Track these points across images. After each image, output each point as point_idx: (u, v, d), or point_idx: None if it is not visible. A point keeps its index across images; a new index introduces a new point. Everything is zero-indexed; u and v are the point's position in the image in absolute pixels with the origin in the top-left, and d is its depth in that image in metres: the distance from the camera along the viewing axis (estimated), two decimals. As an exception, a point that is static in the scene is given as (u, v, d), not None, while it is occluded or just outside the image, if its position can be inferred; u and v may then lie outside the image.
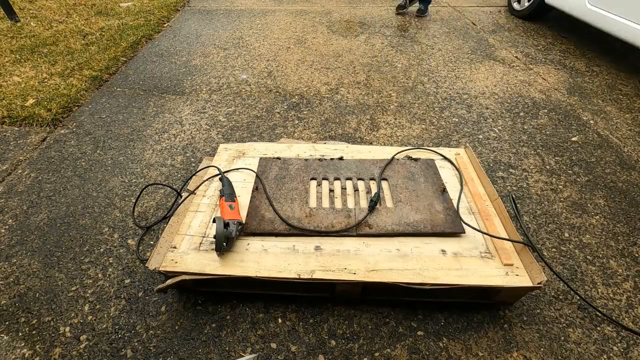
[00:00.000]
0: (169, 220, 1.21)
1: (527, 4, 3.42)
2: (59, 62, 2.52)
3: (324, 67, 2.58)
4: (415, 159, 1.46)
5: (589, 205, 1.52)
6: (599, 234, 1.39)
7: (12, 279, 1.20)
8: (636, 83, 2.48)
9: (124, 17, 3.35)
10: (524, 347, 1.04)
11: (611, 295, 1.18)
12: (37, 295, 1.15)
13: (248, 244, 1.11)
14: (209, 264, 1.05)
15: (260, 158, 1.46)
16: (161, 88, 2.29)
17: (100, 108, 2.08)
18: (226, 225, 1.07)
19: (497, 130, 1.96)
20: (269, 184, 1.33)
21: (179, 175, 1.61)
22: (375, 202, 1.23)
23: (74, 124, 1.95)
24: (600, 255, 1.31)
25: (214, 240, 1.04)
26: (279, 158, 1.46)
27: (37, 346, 1.03)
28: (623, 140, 1.92)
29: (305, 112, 2.07)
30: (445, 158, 1.49)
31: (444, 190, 1.31)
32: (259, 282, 1.02)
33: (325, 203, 1.27)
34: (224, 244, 1.04)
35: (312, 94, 2.25)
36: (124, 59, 2.64)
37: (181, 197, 1.34)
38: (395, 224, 1.18)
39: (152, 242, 1.31)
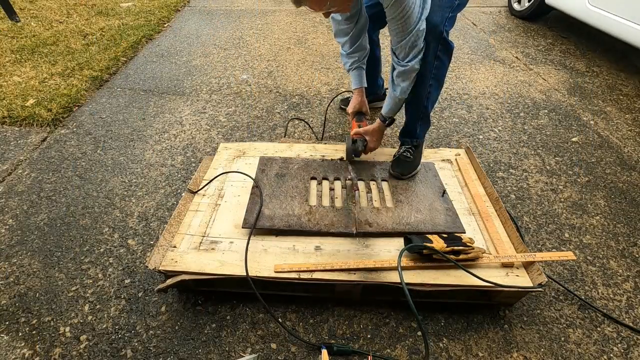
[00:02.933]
0: (168, 219, 1.21)
1: (527, 4, 3.42)
2: (59, 62, 2.52)
3: (325, 67, 2.58)
4: (416, 159, 1.46)
5: (589, 205, 1.52)
6: (599, 235, 1.39)
7: (12, 279, 1.20)
8: (636, 83, 2.48)
9: (125, 17, 3.35)
10: (524, 347, 1.04)
11: (611, 296, 1.18)
12: (37, 295, 1.15)
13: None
14: (209, 264, 1.05)
15: (261, 157, 1.46)
16: (161, 88, 2.29)
17: (100, 108, 2.08)
18: (354, 142, 1.38)
19: (497, 131, 1.96)
20: (269, 182, 1.33)
21: (179, 176, 1.61)
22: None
23: (74, 124, 1.95)
24: (601, 255, 1.31)
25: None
26: (279, 157, 1.46)
27: (37, 346, 1.03)
28: (623, 140, 1.92)
29: (305, 112, 2.07)
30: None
31: (444, 192, 1.31)
32: (259, 282, 1.02)
33: (326, 202, 1.28)
34: (353, 155, 1.40)
35: (312, 94, 2.25)
36: (125, 59, 2.64)
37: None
38: (395, 223, 1.18)
39: (151, 242, 1.31)
